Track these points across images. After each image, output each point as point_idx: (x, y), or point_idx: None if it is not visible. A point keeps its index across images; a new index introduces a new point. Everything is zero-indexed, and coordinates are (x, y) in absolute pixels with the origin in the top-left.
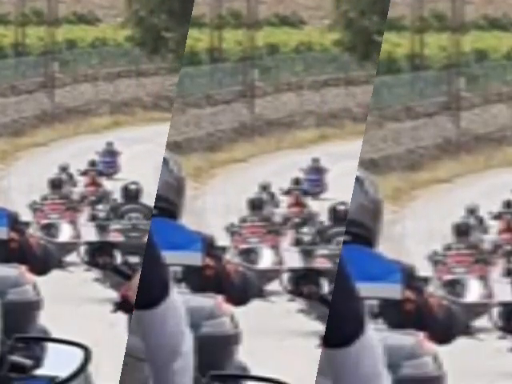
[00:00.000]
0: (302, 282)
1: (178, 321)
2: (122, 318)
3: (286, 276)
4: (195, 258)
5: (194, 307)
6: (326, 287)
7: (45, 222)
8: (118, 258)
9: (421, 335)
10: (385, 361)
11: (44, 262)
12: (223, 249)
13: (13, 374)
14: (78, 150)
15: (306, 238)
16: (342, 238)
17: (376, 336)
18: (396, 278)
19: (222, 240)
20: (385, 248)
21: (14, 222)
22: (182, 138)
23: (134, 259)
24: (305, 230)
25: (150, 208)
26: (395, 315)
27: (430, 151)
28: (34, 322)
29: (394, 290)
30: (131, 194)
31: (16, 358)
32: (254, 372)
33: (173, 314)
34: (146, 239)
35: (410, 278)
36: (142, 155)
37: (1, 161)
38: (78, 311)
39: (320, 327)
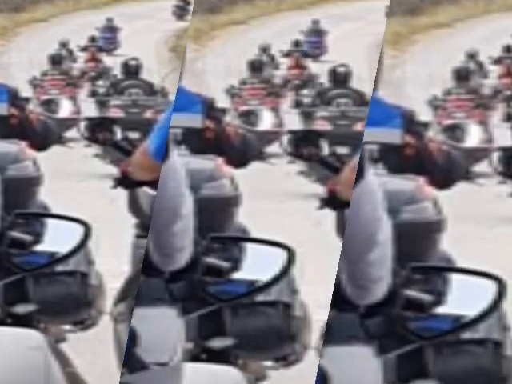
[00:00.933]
0: (302, 144)
1: (178, 183)
2: (122, 193)
3: (285, 138)
4: (195, 120)
5: (193, 169)
6: (325, 149)
7: (45, 97)
8: (118, 134)
9: (421, 180)
10: (385, 205)
11: (44, 137)
12: (223, 111)
13: (12, 249)
14: (77, 25)
15: (306, 100)
16: (342, 100)
17: (376, 181)
18: (396, 123)
19: (222, 102)
20: (385, 93)
21: (14, 98)
22: None
23: (134, 135)
24: (305, 91)
25: (150, 84)
26: (395, 160)
27: None
28: (33, 197)
29: (393, 135)
30: (131, 70)
31: (16, 234)
32: (253, 234)
33: (173, 176)
34: (146, 115)
35: (409, 123)
36: (142, 31)
37: (1, 37)
38: (77, 187)
39: (320, 189)
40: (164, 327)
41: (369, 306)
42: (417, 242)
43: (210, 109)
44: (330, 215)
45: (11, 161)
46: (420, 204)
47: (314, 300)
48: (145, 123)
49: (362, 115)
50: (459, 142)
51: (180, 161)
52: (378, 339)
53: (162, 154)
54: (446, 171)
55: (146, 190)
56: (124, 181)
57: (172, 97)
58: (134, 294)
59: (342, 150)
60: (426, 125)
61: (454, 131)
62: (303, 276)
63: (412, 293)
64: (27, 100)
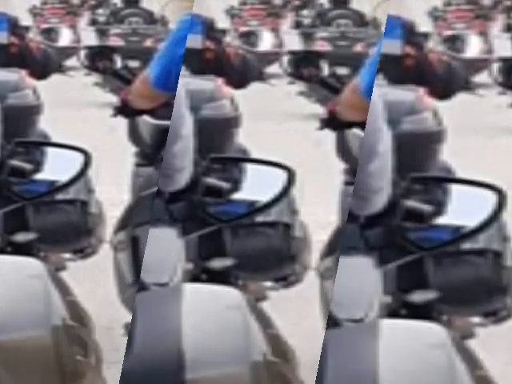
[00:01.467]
0: (302, 65)
1: (178, 104)
2: (122, 122)
3: (285, 59)
4: (195, 41)
5: (193, 90)
6: (325, 70)
7: (45, 26)
8: (118, 63)
9: (421, 91)
10: (385, 116)
11: (44, 66)
12: (223, 31)
13: (12, 178)
14: None
15: (306, 21)
16: (342, 21)
17: (376, 91)
18: (396, 34)
19: (222, 22)
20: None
21: (14, 27)
22: None
23: (134, 64)
24: (305, 12)
25: (150, 12)
26: (395, 71)
27: None
28: (33, 126)
29: (394, 46)
30: None
31: (16, 163)
32: (253, 155)
33: None
34: (145, 43)
35: (410, 34)
36: None
37: None
38: (77, 116)
39: (320, 110)
40: (164, 248)
41: (369, 216)
42: (417, 153)
43: (209, 29)
44: (330, 136)
45: (11, 89)
46: (420, 114)
47: (314, 220)
48: (145, 52)
49: (361, 36)
50: (459, 53)
51: (180, 81)
52: (378, 250)
53: (162, 82)
54: (446, 82)
55: (146, 118)
56: (124, 109)
57: (172, 25)
58: (135, 221)
59: (342, 71)
60: (426, 35)
61: (454, 42)
62: (303, 196)
63: (412, 203)
64: (27, 29)
